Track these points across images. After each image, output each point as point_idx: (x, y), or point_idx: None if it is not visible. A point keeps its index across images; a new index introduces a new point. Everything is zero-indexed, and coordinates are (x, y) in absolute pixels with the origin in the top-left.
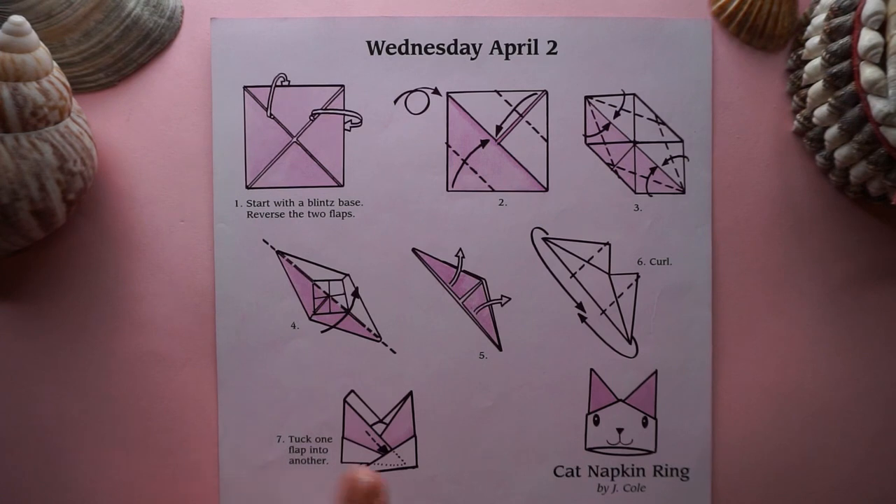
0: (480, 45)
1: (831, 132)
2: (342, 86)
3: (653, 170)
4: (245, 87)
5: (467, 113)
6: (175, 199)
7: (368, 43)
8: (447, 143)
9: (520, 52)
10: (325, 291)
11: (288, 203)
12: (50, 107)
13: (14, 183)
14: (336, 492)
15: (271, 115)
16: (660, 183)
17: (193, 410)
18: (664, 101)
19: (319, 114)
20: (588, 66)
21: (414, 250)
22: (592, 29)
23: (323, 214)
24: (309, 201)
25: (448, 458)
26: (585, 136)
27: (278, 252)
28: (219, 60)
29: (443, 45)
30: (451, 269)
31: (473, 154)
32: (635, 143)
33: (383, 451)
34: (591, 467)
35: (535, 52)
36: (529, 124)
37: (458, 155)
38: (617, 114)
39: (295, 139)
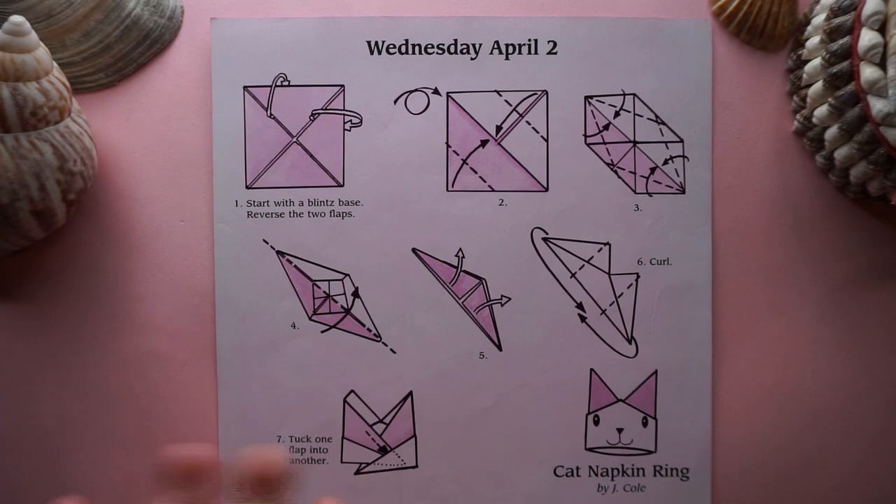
0: (480, 45)
1: (831, 132)
2: (342, 86)
3: (653, 170)
4: (245, 87)
5: (467, 113)
6: (175, 199)
7: (368, 43)
8: (447, 143)
9: (520, 52)
10: (325, 291)
11: (288, 203)
12: (50, 107)
13: (14, 183)
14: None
15: (271, 115)
16: (660, 183)
17: (193, 410)
18: (664, 101)
19: (319, 114)
20: (588, 66)
21: (414, 250)
22: (592, 29)
23: (323, 214)
24: (309, 201)
25: (448, 458)
26: (585, 136)
27: (278, 252)
28: (219, 60)
29: (443, 45)
30: (451, 269)
31: (473, 154)
32: (635, 143)
33: (383, 451)
34: (591, 467)
35: (535, 52)
36: (529, 124)
37: (458, 155)
38: (617, 114)
39: (295, 139)
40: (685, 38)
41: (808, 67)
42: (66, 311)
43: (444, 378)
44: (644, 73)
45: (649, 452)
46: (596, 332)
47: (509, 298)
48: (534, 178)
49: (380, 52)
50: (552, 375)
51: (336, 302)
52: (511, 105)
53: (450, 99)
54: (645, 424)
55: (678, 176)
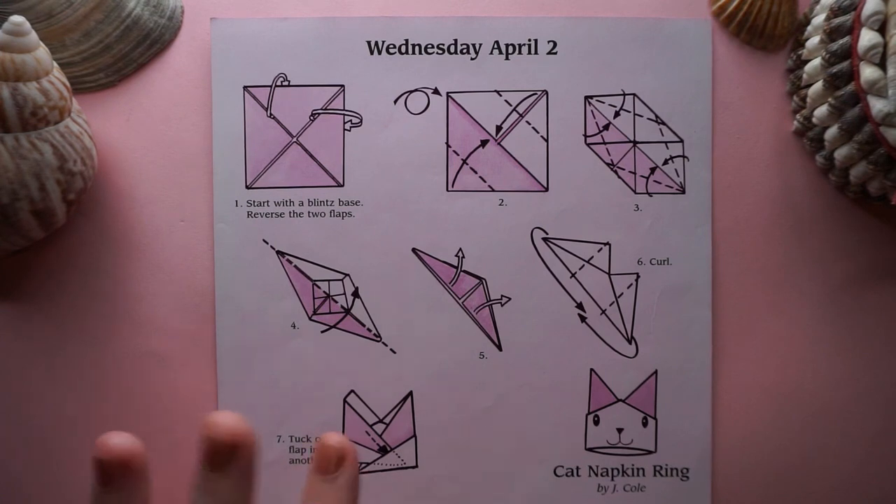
0: (480, 45)
1: (831, 132)
2: (342, 86)
3: (653, 170)
4: (245, 87)
5: (467, 113)
6: (175, 199)
7: (368, 43)
8: (447, 143)
9: (520, 52)
10: (325, 291)
11: (288, 203)
12: (50, 107)
13: (14, 183)
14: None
15: (271, 115)
16: (660, 183)
17: (193, 410)
18: (664, 101)
19: (319, 114)
20: (588, 66)
21: (414, 250)
22: (592, 29)
23: (323, 214)
24: (309, 201)
25: (448, 458)
26: (585, 136)
27: (278, 252)
28: (219, 60)
29: (443, 45)
30: (451, 269)
31: (473, 154)
32: (635, 143)
33: (383, 451)
34: (591, 467)
35: (535, 52)
36: (529, 124)
37: (458, 155)
38: (617, 114)
39: (295, 139)
40: (685, 38)
41: (808, 67)
42: (66, 311)
43: (444, 378)
44: (644, 73)
45: (649, 452)
46: (596, 332)
47: (509, 298)
48: (534, 178)
49: (380, 52)
50: (552, 375)
51: (336, 302)
52: (511, 105)
53: (450, 99)
54: (645, 424)
55: (678, 176)
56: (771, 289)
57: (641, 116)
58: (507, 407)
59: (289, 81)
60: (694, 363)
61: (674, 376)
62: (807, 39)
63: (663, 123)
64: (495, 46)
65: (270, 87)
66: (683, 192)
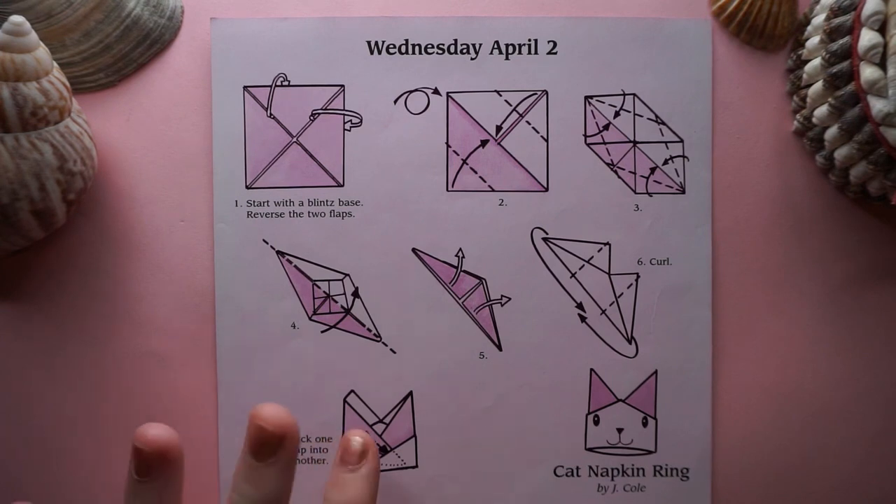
0: (480, 45)
1: (831, 132)
2: (342, 86)
3: (653, 170)
4: (245, 87)
5: (467, 113)
6: (175, 199)
7: (368, 43)
8: (447, 143)
9: (520, 52)
10: (325, 291)
11: (288, 203)
12: (50, 107)
13: (14, 183)
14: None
15: (271, 115)
16: (660, 183)
17: (193, 410)
18: (664, 101)
19: (319, 114)
20: (588, 66)
21: (414, 250)
22: (592, 29)
23: (323, 214)
24: (309, 201)
25: (448, 458)
26: (585, 136)
27: (278, 252)
28: (219, 60)
29: (443, 45)
30: (451, 269)
31: (473, 154)
32: (635, 143)
33: (383, 451)
34: (591, 467)
35: (535, 52)
36: (529, 124)
37: (458, 155)
38: (617, 114)
39: (295, 139)
40: (685, 38)
41: (808, 67)
42: (66, 312)
43: (444, 378)
44: (644, 73)
45: (649, 452)
46: (596, 332)
47: (509, 298)
48: (534, 178)
49: (380, 52)
50: (552, 375)
51: (336, 302)
52: (511, 105)
53: (450, 99)
54: (645, 424)
55: (678, 176)
56: (771, 289)
57: (641, 116)
58: (507, 407)
59: (289, 81)
60: (694, 363)
61: (674, 376)
62: (807, 39)
63: (663, 123)
64: (495, 46)
65: (270, 87)
66: (683, 192)
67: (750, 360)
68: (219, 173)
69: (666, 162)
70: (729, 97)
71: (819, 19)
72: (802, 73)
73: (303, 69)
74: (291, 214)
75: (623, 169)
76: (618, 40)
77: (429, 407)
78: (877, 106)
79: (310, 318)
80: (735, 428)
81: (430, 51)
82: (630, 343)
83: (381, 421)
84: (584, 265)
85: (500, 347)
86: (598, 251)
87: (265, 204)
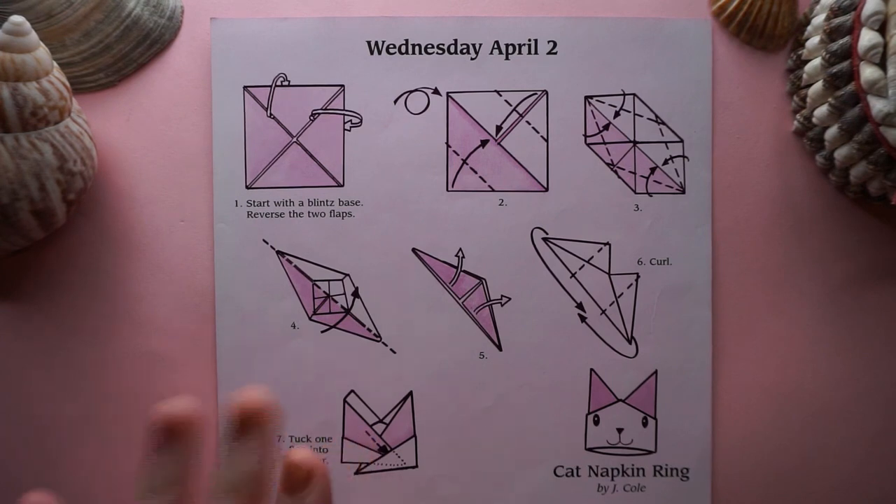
0: (480, 45)
1: (831, 132)
2: (342, 86)
3: (653, 170)
4: (245, 87)
5: (467, 113)
6: (175, 199)
7: (368, 43)
8: (447, 143)
9: (520, 52)
10: (325, 291)
11: (288, 203)
12: (50, 107)
13: (14, 183)
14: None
15: (271, 115)
16: (660, 183)
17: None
18: (664, 101)
19: (319, 114)
20: (588, 66)
21: (414, 250)
22: (592, 29)
23: (323, 214)
24: (309, 201)
25: (448, 458)
26: (585, 136)
27: (278, 252)
28: (219, 60)
29: (443, 45)
30: (451, 269)
31: (473, 154)
32: (635, 143)
33: (383, 451)
34: (591, 467)
35: (535, 52)
36: (529, 124)
37: (458, 155)
38: (617, 114)
39: (295, 139)
40: (685, 38)
41: (808, 67)
42: (66, 312)
43: (444, 378)
44: (644, 73)
45: (649, 452)
46: (596, 332)
47: (509, 298)
48: (534, 178)
49: (380, 52)
50: (552, 375)
51: (336, 302)
52: (511, 105)
53: (450, 99)
54: (645, 424)
55: (678, 176)
56: (771, 289)
57: (641, 116)
58: (507, 407)
59: (289, 81)
60: (694, 363)
61: (674, 376)
62: (807, 39)
63: (663, 123)
64: (495, 46)
65: (270, 87)
66: (683, 192)
67: (750, 360)
68: (219, 173)
69: (666, 162)
70: (729, 97)
71: (819, 19)
72: (802, 73)
73: (303, 69)
74: (291, 214)
75: (623, 169)
76: (618, 40)
77: (429, 407)
78: (877, 106)
79: (310, 318)
80: (735, 428)
81: (430, 51)
82: (630, 343)
83: (381, 421)
84: (584, 265)
85: (500, 347)
86: (598, 251)
87: (265, 204)
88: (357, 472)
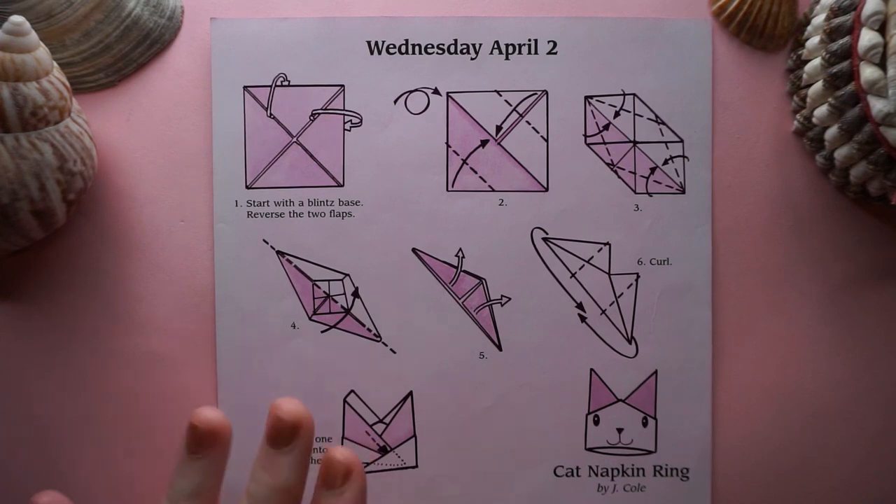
0: (480, 45)
1: (831, 132)
2: (342, 86)
3: (653, 170)
4: (245, 87)
5: (467, 113)
6: (175, 199)
7: (368, 43)
8: (447, 143)
9: (520, 52)
10: (325, 291)
11: (288, 203)
12: (50, 107)
13: (14, 183)
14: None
15: (271, 115)
16: (660, 183)
17: (193, 410)
18: (664, 101)
19: (319, 114)
20: (588, 66)
21: (414, 250)
22: (592, 29)
23: (323, 214)
24: (309, 201)
25: (448, 458)
26: (585, 136)
27: (278, 252)
28: (219, 60)
29: (443, 45)
30: (451, 269)
31: (473, 154)
32: (635, 143)
33: (383, 451)
34: (591, 467)
35: (535, 52)
36: (529, 124)
37: (458, 155)
38: (617, 114)
39: (295, 139)
40: (685, 38)
41: (808, 67)
42: (66, 311)
43: (444, 378)
44: (644, 73)
45: (649, 452)
46: (596, 332)
47: (509, 298)
48: (534, 178)
49: (380, 52)
50: (552, 375)
51: (336, 302)
52: (511, 105)
53: (450, 99)
54: (645, 424)
55: (678, 176)
56: (771, 289)
57: (641, 116)
58: (507, 407)
59: (289, 81)
60: (694, 363)
61: (674, 376)
62: (807, 39)
63: (663, 123)
64: (495, 46)
65: (270, 87)
66: (683, 192)
67: (750, 360)
68: (219, 173)
69: (666, 162)
70: (729, 97)
71: (819, 19)
72: (802, 73)
73: (303, 69)
74: (291, 214)
75: (623, 169)
76: (618, 40)
77: (429, 407)
78: (877, 106)
79: (310, 318)
80: (735, 428)
81: (430, 51)
82: (630, 343)
83: (381, 421)
84: (584, 265)
85: (500, 347)
86: (598, 251)
87: (265, 204)
88: None
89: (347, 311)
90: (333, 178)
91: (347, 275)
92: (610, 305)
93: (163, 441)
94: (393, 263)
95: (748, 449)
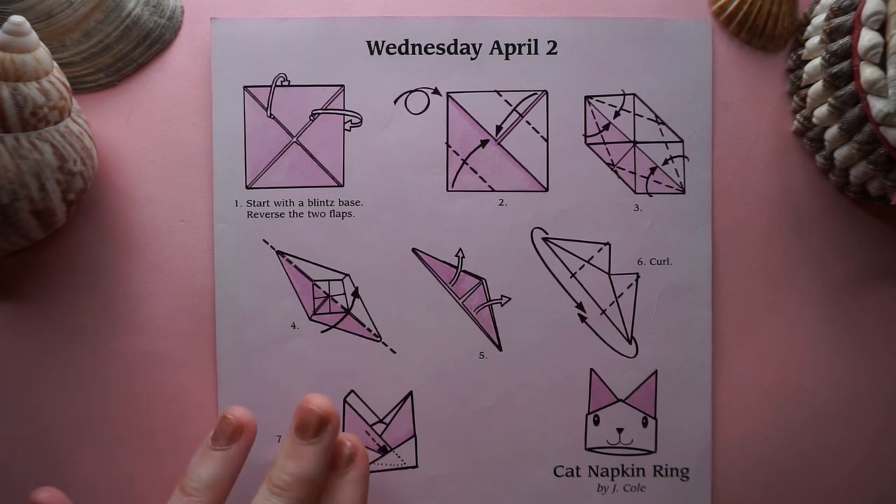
0: (480, 45)
1: (831, 132)
2: (342, 86)
3: (653, 170)
4: (245, 87)
5: (467, 113)
6: (175, 199)
7: (368, 43)
8: (447, 143)
9: (520, 52)
10: (325, 291)
11: (288, 203)
12: (50, 107)
13: (14, 183)
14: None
15: (271, 115)
16: (660, 183)
17: (193, 410)
18: (664, 101)
19: (319, 114)
20: (588, 66)
21: (414, 250)
22: (592, 29)
23: (323, 214)
24: (309, 201)
25: (448, 458)
26: (585, 136)
27: (278, 252)
28: (219, 60)
29: (443, 45)
30: (451, 269)
31: (473, 154)
32: (635, 143)
33: (383, 451)
34: (591, 467)
35: (535, 52)
36: (529, 124)
37: (458, 155)
38: (617, 114)
39: (295, 139)
40: (685, 38)
41: (808, 67)
42: (66, 311)
43: (444, 378)
44: (644, 73)
45: (649, 452)
46: (596, 332)
47: (509, 298)
48: (534, 178)
49: (380, 52)
50: (552, 375)
51: (336, 302)
52: (511, 105)
53: (450, 99)
54: (645, 424)
55: (678, 176)
56: (771, 289)
57: (641, 116)
58: (507, 407)
59: (289, 81)
60: (694, 363)
61: (674, 376)
62: (807, 39)
63: (663, 123)
64: (495, 46)
65: (270, 87)
66: (683, 192)
67: (750, 360)
68: (219, 173)
69: (666, 162)
70: (729, 97)
71: (819, 19)
72: (802, 73)
73: (303, 69)
74: (291, 214)
75: (623, 169)
76: (618, 40)
77: (429, 407)
78: (877, 106)
79: (310, 318)
80: (735, 428)
81: (430, 51)
82: (630, 343)
83: (381, 421)
84: (584, 265)
85: (500, 347)
86: (598, 251)
87: (265, 204)
88: None
89: (347, 311)
90: (333, 178)
91: (347, 275)
92: (610, 305)
93: (163, 441)
94: (393, 263)
95: (748, 449)
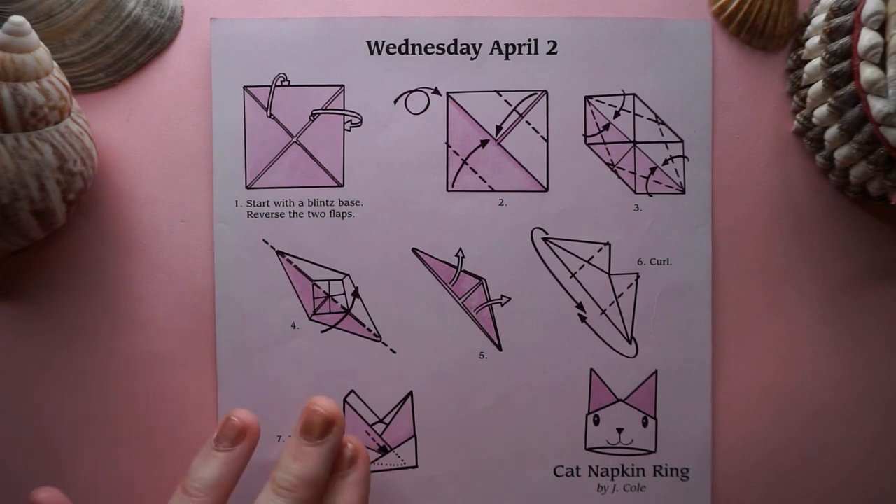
0: (480, 45)
1: (831, 132)
2: (342, 86)
3: (653, 170)
4: (245, 87)
5: (467, 113)
6: (175, 199)
7: (368, 43)
8: (447, 143)
9: (520, 52)
10: (325, 291)
11: (288, 203)
12: (50, 107)
13: (14, 183)
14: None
15: (271, 115)
16: (660, 183)
17: (193, 410)
18: (664, 101)
19: (319, 114)
20: (588, 66)
21: (414, 250)
22: (592, 29)
23: (323, 214)
24: (309, 201)
25: (448, 458)
26: (585, 136)
27: (278, 252)
28: (219, 60)
29: (443, 45)
30: (451, 269)
31: (473, 154)
32: (635, 143)
33: (383, 451)
34: (591, 467)
35: (535, 52)
36: (529, 124)
37: (458, 155)
38: (617, 114)
39: (295, 139)
40: (685, 38)
41: (808, 67)
42: (66, 311)
43: (444, 378)
44: (644, 73)
45: (649, 452)
46: (596, 332)
47: (509, 298)
48: (534, 178)
49: (380, 52)
50: (552, 375)
51: (336, 302)
52: (511, 105)
53: (450, 99)
54: (645, 424)
55: (678, 176)
56: (771, 289)
57: (641, 116)
58: (507, 407)
59: (289, 81)
60: (694, 363)
61: (674, 376)
62: (807, 39)
63: (663, 123)
64: (495, 46)
65: (270, 87)
66: (683, 192)
67: (750, 360)
68: (219, 173)
69: (666, 162)
70: (729, 97)
71: (819, 19)
72: (802, 73)
73: (303, 69)
74: (291, 214)
75: (623, 169)
76: (618, 40)
77: (429, 407)
78: (877, 106)
79: (310, 318)
80: (735, 428)
81: (430, 51)
82: (630, 343)
83: (381, 421)
84: (584, 265)
85: (500, 347)
86: (598, 251)
87: (265, 204)
88: None
89: (347, 311)
90: (333, 178)
91: (347, 275)
92: (610, 305)
93: (163, 441)
94: (393, 263)
95: (748, 449)
